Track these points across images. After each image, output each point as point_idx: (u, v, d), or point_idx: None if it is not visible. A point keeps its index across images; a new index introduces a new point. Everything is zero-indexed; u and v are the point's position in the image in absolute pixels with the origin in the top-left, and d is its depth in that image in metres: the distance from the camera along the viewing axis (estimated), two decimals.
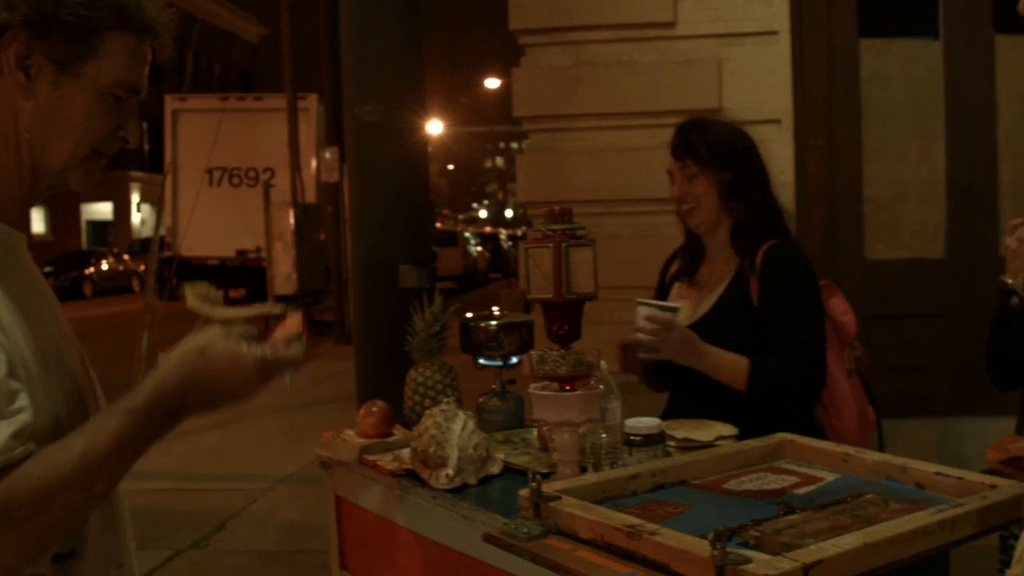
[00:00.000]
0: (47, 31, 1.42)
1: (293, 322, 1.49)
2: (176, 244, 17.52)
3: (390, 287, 4.69)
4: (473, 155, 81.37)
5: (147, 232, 35.88)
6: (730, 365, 2.73)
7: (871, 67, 5.29)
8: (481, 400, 2.79)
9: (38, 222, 38.25)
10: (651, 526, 1.66)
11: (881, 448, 3.01)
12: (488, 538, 1.84)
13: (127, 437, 1.36)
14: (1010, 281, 2.55)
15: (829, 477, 2.05)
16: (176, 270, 13.00)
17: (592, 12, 5.32)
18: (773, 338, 2.74)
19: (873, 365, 3.16)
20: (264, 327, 1.50)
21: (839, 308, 3.07)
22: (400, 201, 4.80)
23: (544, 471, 2.18)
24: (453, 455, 2.21)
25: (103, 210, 42.00)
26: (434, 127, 33.90)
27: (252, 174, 18.58)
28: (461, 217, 64.97)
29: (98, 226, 42.44)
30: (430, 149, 7.25)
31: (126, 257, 32.58)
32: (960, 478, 1.88)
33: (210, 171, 17.74)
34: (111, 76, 1.48)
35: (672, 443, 2.30)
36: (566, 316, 2.19)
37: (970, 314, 4.88)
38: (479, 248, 36.50)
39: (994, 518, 1.75)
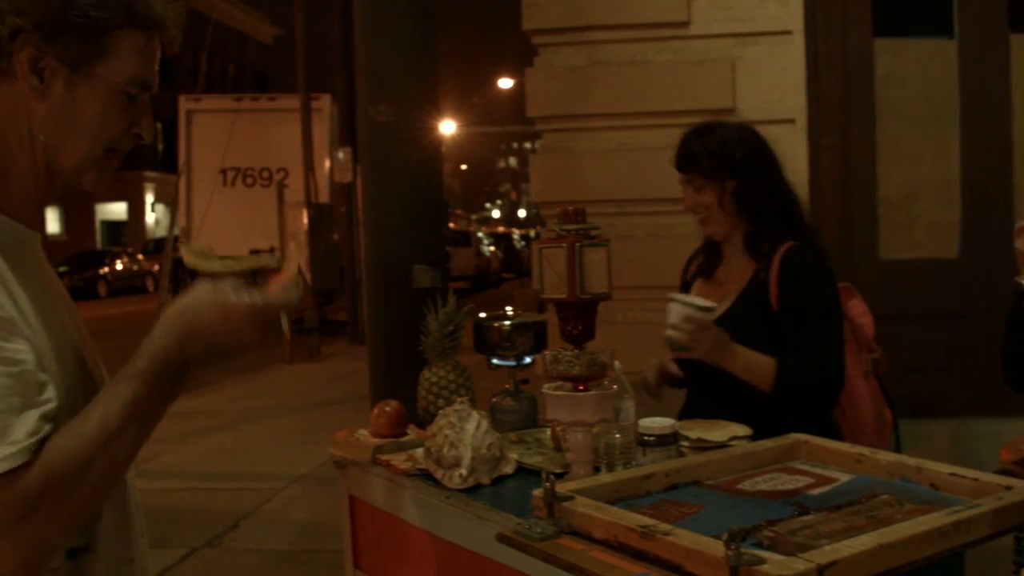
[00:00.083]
0: (58, 34, 1.43)
1: (290, 271, 1.50)
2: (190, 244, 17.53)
3: (404, 287, 4.69)
4: (486, 155, 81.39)
5: (161, 232, 35.99)
6: (758, 365, 2.73)
7: (885, 67, 5.27)
8: (495, 400, 2.79)
9: (53, 222, 38.43)
10: (665, 526, 1.65)
11: (898, 450, 3.00)
12: (501, 538, 1.84)
13: (140, 400, 1.39)
14: None
15: (843, 478, 2.05)
16: (190, 270, 13.01)
17: (606, 12, 5.31)
18: (792, 340, 2.74)
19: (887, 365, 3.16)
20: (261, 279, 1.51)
21: (857, 310, 3.06)
22: (413, 201, 4.80)
23: (558, 471, 2.18)
24: (467, 455, 2.21)
25: (117, 210, 42.17)
26: (447, 127, 33.91)
27: (266, 174, 18.59)
28: (474, 217, 65.04)
29: (112, 226, 42.62)
30: (443, 149, 7.25)
31: (140, 257, 32.71)
32: (975, 479, 1.88)
33: (224, 171, 17.79)
34: (123, 74, 1.49)
35: (686, 443, 2.30)
36: (580, 316, 2.19)
37: (985, 315, 4.86)
38: (492, 248, 36.52)
39: (1009, 519, 1.75)
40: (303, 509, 6.56)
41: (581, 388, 2.11)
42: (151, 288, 29.48)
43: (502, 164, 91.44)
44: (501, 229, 52.40)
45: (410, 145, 4.72)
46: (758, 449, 2.21)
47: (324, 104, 18.26)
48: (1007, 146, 5.18)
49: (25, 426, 1.31)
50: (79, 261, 30.30)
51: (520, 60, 7.34)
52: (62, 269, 26.95)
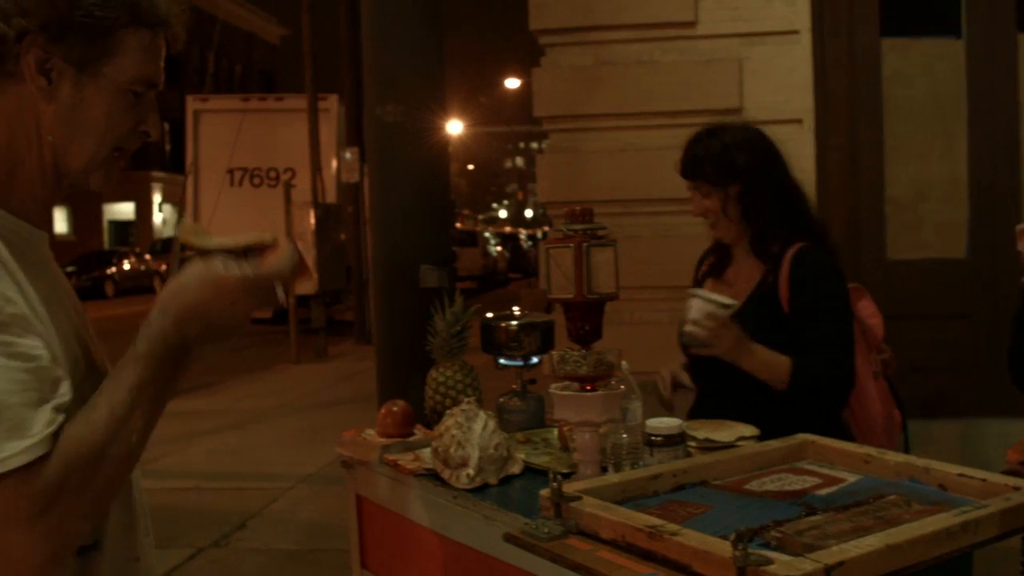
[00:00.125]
0: (64, 34, 1.43)
1: (285, 246, 1.50)
2: None
3: (410, 287, 4.69)
4: (493, 155, 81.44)
5: (169, 232, 36.10)
6: (774, 363, 2.75)
7: (893, 66, 5.26)
8: (502, 400, 2.79)
9: (60, 222, 38.53)
10: (672, 526, 1.65)
11: (907, 450, 2.99)
12: (509, 538, 1.84)
13: (144, 383, 1.40)
14: None
15: (851, 478, 2.04)
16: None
17: (612, 12, 5.31)
18: (803, 340, 2.74)
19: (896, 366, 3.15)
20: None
21: (867, 311, 3.06)
22: (420, 201, 4.80)
23: (565, 471, 2.18)
24: (474, 455, 2.21)
25: (125, 210, 42.25)
26: (454, 127, 33.91)
27: (273, 174, 18.61)
28: (481, 217, 65.09)
29: (120, 226, 42.71)
30: (450, 149, 7.25)
31: (148, 257, 32.76)
32: (983, 480, 1.87)
33: (231, 171, 17.83)
34: (129, 73, 1.49)
35: (693, 444, 2.30)
36: (587, 316, 2.18)
37: (992, 315, 4.86)
38: (499, 248, 36.57)
39: (1018, 520, 1.74)
40: (310, 509, 6.57)
41: (588, 388, 2.10)
42: (158, 288, 29.45)
43: (509, 164, 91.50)
44: (508, 229, 52.46)
45: (417, 145, 4.71)
46: (765, 449, 2.21)
47: (331, 104, 18.29)
48: (1015, 146, 5.17)
49: (42, 419, 1.32)
50: (86, 261, 30.37)
51: (527, 60, 7.34)
52: (69, 269, 27.01)
